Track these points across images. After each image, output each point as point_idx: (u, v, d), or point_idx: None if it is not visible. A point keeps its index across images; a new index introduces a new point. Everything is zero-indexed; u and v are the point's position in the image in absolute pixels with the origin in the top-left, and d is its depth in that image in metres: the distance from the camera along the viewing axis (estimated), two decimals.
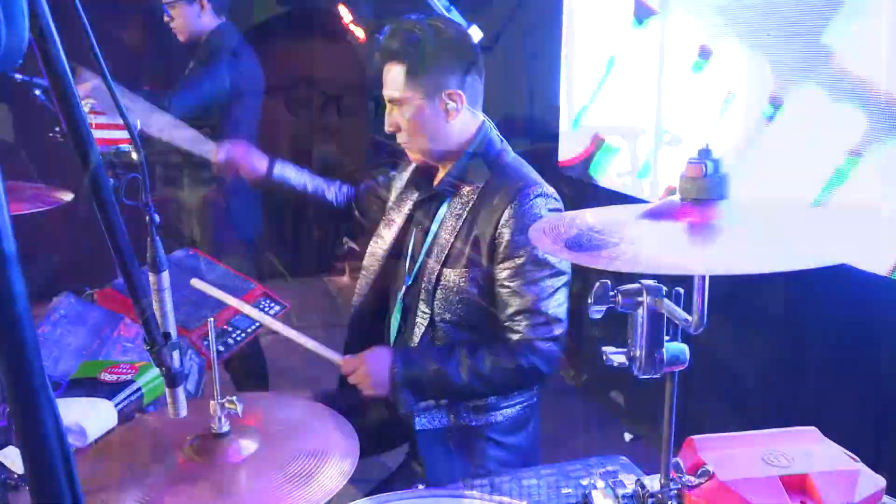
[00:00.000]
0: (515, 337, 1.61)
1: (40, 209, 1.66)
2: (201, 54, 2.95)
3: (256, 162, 1.98)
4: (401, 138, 1.72)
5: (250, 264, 3.03)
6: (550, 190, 1.66)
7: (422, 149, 1.71)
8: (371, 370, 1.61)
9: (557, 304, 1.62)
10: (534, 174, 1.70)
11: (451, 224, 1.67)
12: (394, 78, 1.66)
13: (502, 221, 1.61)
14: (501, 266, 1.62)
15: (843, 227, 0.94)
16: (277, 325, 1.74)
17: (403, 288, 1.77)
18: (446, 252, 1.66)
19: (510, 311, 1.61)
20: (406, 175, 1.89)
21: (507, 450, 1.73)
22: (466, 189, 1.68)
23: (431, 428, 1.67)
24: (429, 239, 1.73)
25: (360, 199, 2.06)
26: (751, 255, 0.85)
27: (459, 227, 1.66)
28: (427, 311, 1.67)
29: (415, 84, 1.64)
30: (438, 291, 1.65)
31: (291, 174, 2.02)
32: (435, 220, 1.74)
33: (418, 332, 1.68)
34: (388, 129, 1.71)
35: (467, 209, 1.66)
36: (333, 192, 2.07)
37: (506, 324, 1.62)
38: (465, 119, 1.69)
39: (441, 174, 1.76)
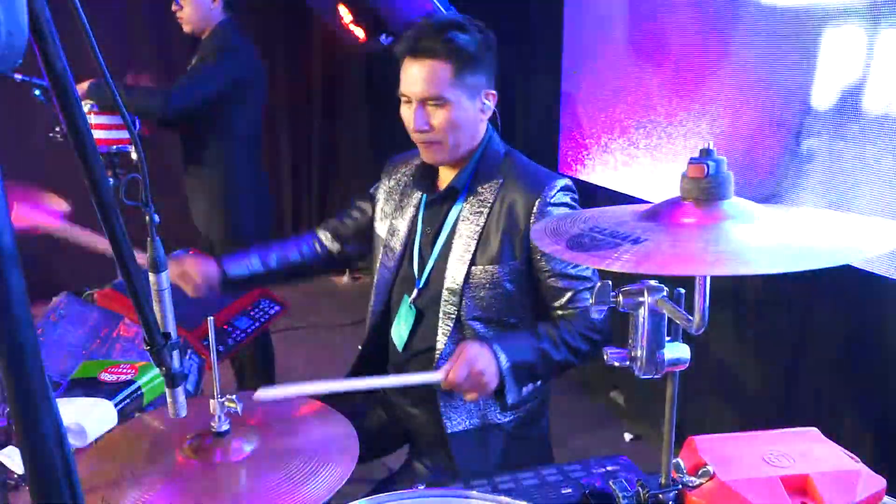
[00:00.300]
0: (577, 311, 1.62)
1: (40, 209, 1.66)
2: (205, 49, 2.94)
3: (206, 271, 1.78)
4: (428, 137, 1.64)
5: None
6: (569, 181, 1.67)
7: (454, 147, 1.65)
8: (483, 365, 1.51)
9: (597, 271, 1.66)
10: (546, 168, 1.70)
11: (473, 221, 1.66)
12: (435, 76, 1.58)
13: (534, 214, 1.61)
14: (547, 259, 1.62)
15: (845, 228, 0.94)
16: (365, 382, 1.48)
17: (415, 292, 1.73)
18: (473, 249, 1.64)
19: (570, 293, 1.63)
20: (393, 184, 1.84)
21: (530, 442, 1.74)
22: (484, 186, 1.67)
23: (462, 430, 1.66)
24: (441, 239, 1.71)
25: (338, 231, 1.91)
26: (753, 256, 0.85)
27: (483, 223, 1.64)
28: (454, 311, 1.65)
29: (460, 83, 1.60)
30: (467, 290, 1.64)
31: (243, 265, 1.84)
32: (448, 220, 1.71)
33: (443, 332, 1.66)
34: (419, 127, 1.62)
35: (488, 206, 1.65)
36: (300, 249, 1.90)
37: (569, 305, 1.63)
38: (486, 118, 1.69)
39: (450, 174, 1.72)
